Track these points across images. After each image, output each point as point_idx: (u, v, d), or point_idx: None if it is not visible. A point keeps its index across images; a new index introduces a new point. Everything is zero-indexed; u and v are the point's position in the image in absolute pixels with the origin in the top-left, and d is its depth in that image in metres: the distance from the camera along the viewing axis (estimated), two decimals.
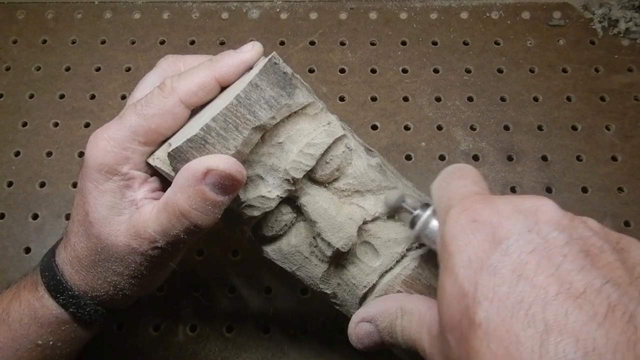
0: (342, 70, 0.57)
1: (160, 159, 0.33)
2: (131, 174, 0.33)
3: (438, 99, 0.55)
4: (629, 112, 0.54)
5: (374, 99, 0.55)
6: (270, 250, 0.36)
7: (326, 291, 0.37)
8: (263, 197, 0.33)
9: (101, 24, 0.60)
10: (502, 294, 0.23)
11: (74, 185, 0.52)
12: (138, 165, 0.34)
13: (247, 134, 0.31)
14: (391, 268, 0.35)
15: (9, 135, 0.54)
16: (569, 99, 0.55)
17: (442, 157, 0.53)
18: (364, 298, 0.36)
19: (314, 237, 0.35)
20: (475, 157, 0.53)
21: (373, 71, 0.57)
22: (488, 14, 0.59)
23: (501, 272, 0.24)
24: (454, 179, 0.31)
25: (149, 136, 0.33)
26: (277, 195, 0.33)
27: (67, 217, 0.51)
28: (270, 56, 0.32)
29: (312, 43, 0.58)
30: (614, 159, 0.52)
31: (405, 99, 0.55)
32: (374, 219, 0.35)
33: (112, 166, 0.33)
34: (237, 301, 0.47)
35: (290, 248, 0.35)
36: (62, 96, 0.56)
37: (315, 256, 0.35)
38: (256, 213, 0.33)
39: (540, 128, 0.54)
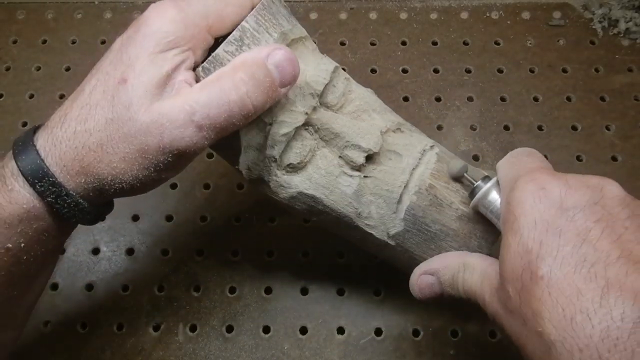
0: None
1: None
2: (187, 55, 0.32)
3: (438, 99, 0.55)
4: (629, 112, 0.54)
5: None
6: (299, 181, 0.37)
7: (361, 212, 0.37)
8: (291, 110, 0.35)
9: (101, 24, 0.60)
10: (565, 253, 0.27)
11: None
12: (196, 52, 0.32)
13: (277, 36, 0.34)
14: (417, 165, 0.38)
15: (9, 135, 0.54)
16: (569, 99, 0.55)
17: None
18: (400, 200, 0.37)
19: (339, 157, 0.37)
20: (475, 157, 0.52)
21: (373, 71, 0.57)
22: (488, 14, 0.60)
23: (566, 235, 0.27)
24: (523, 156, 0.34)
25: (217, 22, 0.32)
26: (304, 111, 0.35)
27: None
28: None
29: None
30: (614, 159, 0.52)
31: (405, 99, 0.55)
32: (387, 131, 0.38)
33: (177, 37, 0.31)
34: (237, 301, 0.47)
35: (320, 171, 0.37)
36: (62, 96, 0.56)
37: (344, 174, 0.37)
38: (286, 129, 0.35)
39: (540, 128, 0.54)
